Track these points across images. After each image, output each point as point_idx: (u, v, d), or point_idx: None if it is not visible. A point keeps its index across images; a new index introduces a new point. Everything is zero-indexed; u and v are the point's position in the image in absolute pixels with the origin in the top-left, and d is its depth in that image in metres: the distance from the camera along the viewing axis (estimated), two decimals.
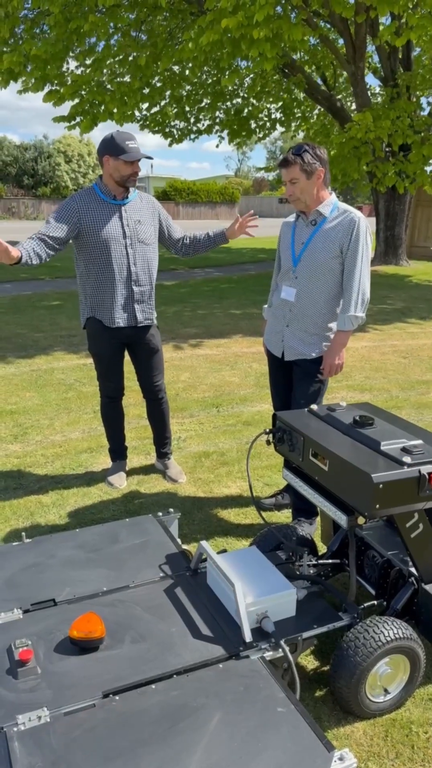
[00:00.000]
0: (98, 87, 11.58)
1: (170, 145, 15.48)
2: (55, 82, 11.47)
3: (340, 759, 1.53)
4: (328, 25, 12.46)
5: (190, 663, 1.81)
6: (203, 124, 15.28)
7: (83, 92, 11.48)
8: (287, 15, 9.63)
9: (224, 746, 1.54)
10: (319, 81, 14.69)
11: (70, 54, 11.20)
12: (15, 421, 4.55)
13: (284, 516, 3.27)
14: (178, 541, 2.49)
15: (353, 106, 14.16)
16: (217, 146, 16.57)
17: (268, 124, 15.57)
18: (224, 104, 14.92)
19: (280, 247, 3.03)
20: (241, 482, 3.66)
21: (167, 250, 3.48)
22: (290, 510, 3.24)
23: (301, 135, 16.31)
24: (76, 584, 2.18)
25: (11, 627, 1.95)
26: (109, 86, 11.86)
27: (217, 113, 15.02)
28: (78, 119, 11.90)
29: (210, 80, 14.07)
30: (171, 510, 2.71)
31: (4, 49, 11.05)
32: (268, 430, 2.41)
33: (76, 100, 11.56)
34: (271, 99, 14.97)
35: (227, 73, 11.46)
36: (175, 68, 12.64)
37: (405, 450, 1.99)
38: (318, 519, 3.10)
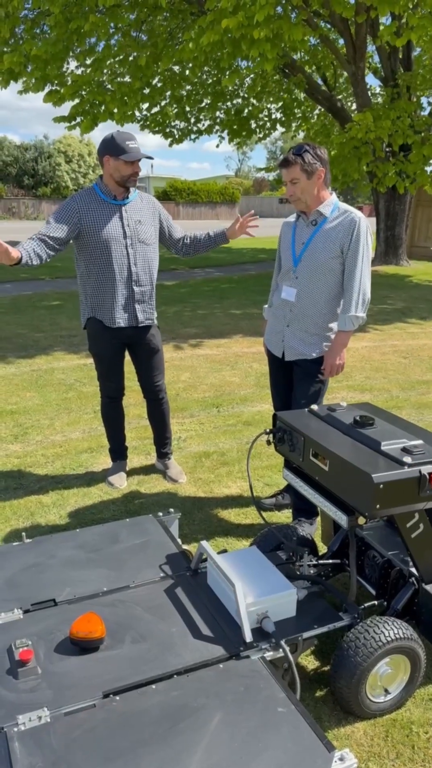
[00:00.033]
0: (98, 87, 11.59)
1: (170, 145, 15.49)
2: (56, 82, 11.48)
3: (341, 759, 1.52)
4: (329, 26, 12.46)
5: (190, 663, 1.81)
6: (203, 124, 15.29)
7: (83, 92, 11.48)
8: (287, 15, 9.63)
9: (225, 746, 1.54)
10: (320, 81, 14.69)
11: (71, 54, 11.20)
12: (15, 421, 4.55)
13: (284, 516, 3.27)
14: (179, 541, 2.49)
15: (354, 107, 14.16)
16: (218, 146, 16.59)
17: (268, 124, 15.58)
18: (224, 104, 14.92)
19: (280, 247, 3.03)
20: (242, 482, 3.66)
21: (168, 250, 3.48)
22: (290, 510, 3.24)
23: (301, 135, 16.32)
24: (76, 584, 2.18)
25: (11, 627, 1.95)
26: (109, 86, 11.87)
27: (218, 113, 15.02)
28: (78, 119, 11.90)
29: (210, 80, 14.07)
30: (171, 510, 2.70)
31: (5, 49, 11.05)
32: (268, 430, 2.41)
33: (77, 101, 11.56)
34: (271, 99, 14.97)
35: (227, 73, 11.45)
36: (176, 68, 12.64)
37: (405, 450, 1.99)
38: (318, 519, 3.10)
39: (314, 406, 2.39)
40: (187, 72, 12.39)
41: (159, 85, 12.96)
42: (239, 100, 15.18)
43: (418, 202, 16.37)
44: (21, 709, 1.64)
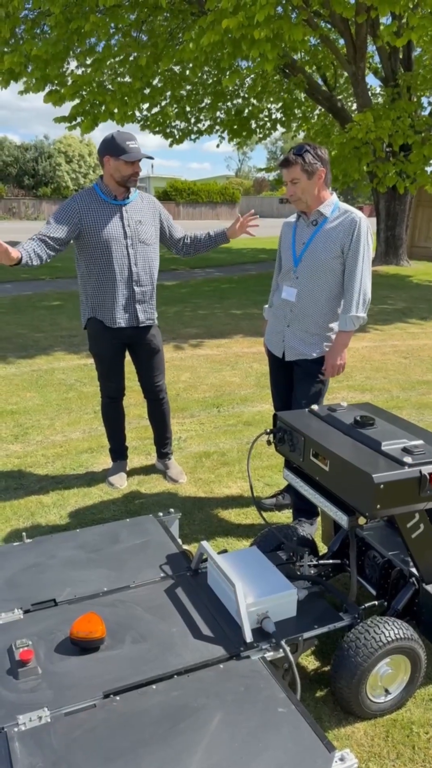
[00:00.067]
0: (99, 87, 11.59)
1: (171, 145, 15.49)
2: (56, 82, 11.48)
3: (341, 759, 1.52)
4: (329, 26, 12.46)
5: (190, 663, 1.81)
6: (204, 125, 15.29)
7: (84, 92, 11.48)
8: (288, 15, 9.63)
9: (225, 746, 1.54)
10: (320, 81, 14.69)
11: (71, 54, 11.20)
12: (16, 421, 4.55)
13: (285, 516, 3.27)
14: (179, 541, 2.49)
15: (354, 107, 14.15)
16: (218, 146, 16.58)
17: (268, 124, 15.58)
18: (225, 104, 14.92)
19: (280, 248, 3.03)
20: (242, 482, 3.66)
21: (168, 250, 3.48)
22: (291, 510, 3.24)
23: (301, 135, 16.31)
24: (76, 584, 2.18)
25: (12, 627, 1.95)
26: (109, 86, 11.87)
27: (218, 113, 15.02)
28: (79, 119, 11.90)
29: (210, 80, 14.07)
30: (172, 510, 2.70)
31: (5, 49, 11.06)
32: (268, 430, 2.41)
33: (77, 101, 11.57)
34: (271, 99, 14.97)
35: (228, 73, 11.45)
36: (176, 68, 12.64)
37: (406, 450, 1.98)
38: (319, 519, 3.10)
39: (314, 406, 2.39)
40: (188, 72, 12.40)
41: (159, 85, 12.97)
42: (239, 100, 15.18)
43: (419, 202, 16.37)
44: (21, 709, 1.64)
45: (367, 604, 2.26)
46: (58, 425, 4.49)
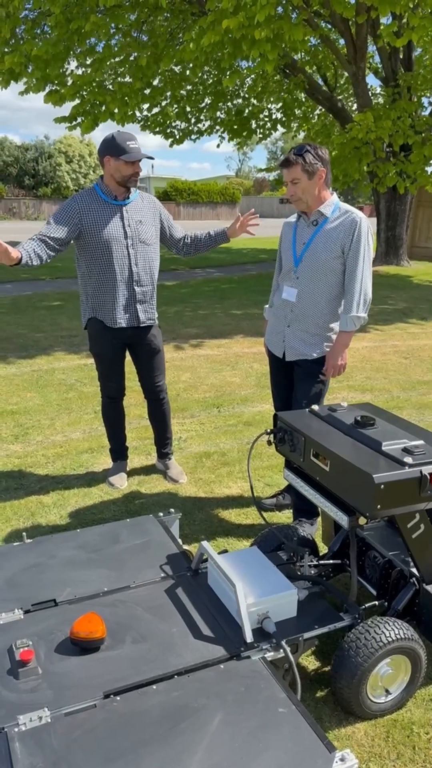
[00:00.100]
0: (99, 87, 11.59)
1: (171, 145, 15.49)
2: (56, 82, 11.48)
3: (342, 760, 1.52)
4: (329, 26, 12.46)
5: (191, 663, 1.81)
6: (204, 125, 15.29)
7: (84, 93, 11.48)
8: (288, 15, 9.63)
9: (225, 747, 1.54)
10: (320, 81, 14.69)
11: (71, 54, 11.20)
12: (16, 421, 4.55)
13: (285, 516, 3.27)
14: (179, 541, 2.49)
15: (354, 107, 14.15)
16: (218, 146, 16.57)
17: (268, 124, 15.57)
18: (225, 104, 14.92)
19: (281, 248, 3.03)
20: (242, 482, 3.66)
21: (168, 250, 3.48)
22: (291, 510, 3.24)
23: (301, 135, 16.31)
24: (76, 584, 2.18)
25: (12, 627, 1.95)
26: (110, 86, 11.87)
27: (218, 113, 15.02)
28: (79, 120, 11.90)
29: (211, 80, 14.07)
30: (172, 510, 2.70)
31: (5, 49, 11.06)
32: (269, 430, 2.41)
33: (77, 101, 11.57)
34: (272, 99, 14.97)
35: (228, 73, 11.46)
36: (176, 69, 12.64)
37: (406, 450, 1.98)
38: (319, 519, 3.10)
39: (315, 407, 2.39)
40: (188, 72, 12.40)
41: (159, 85, 12.97)
42: (240, 101, 15.18)
43: (419, 202, 16.36)
44: (21, 709, 1.64)
45: (367, 605, 2.26)
46: (58, 425, 4.49)
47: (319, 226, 2.79)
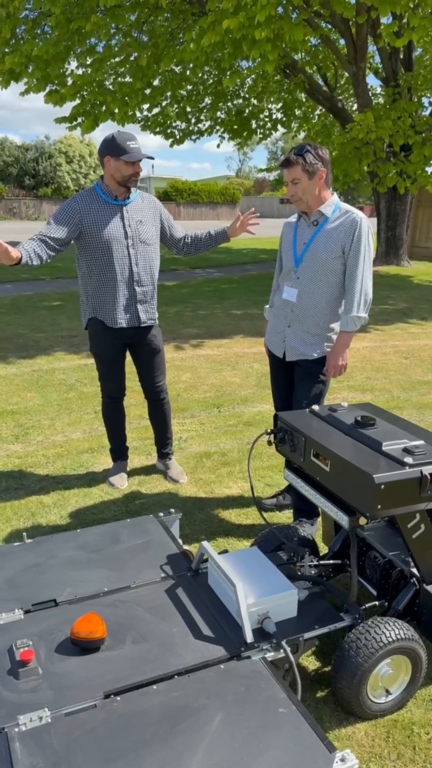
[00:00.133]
0: (99, 87, 11.59)
1: (171, 145, 15.49)
2: (56, 82, 11.48)
3: (342, 760, 1.52)
4: (329, 26, 12.46)
5: (191, 663, 1.81)
6: (204, 125, 15.29)
7: (85, 93, 11.49)
8: (288, 15, 9.63)
9: (226, 747, 1.54)
10: (321, 81, 14.69)
11: (72, 54, 11.21)
12: (16, 421, 4.55)
13: (285, 516, 3.27)
14: (179, 541, 2.49)
15: (354, 107, 14.15)
16: (218, 146, 16.56)
17: (269, 124, 15.57)
18: (225, 104, 14.92)
19: (281, 248, 3.03)
20: (243, 483, 3.65)
21: (169, 250, 3.47)
22: (291, 510, 3.24)
23: (302, 135, 16.31)
24: (77, 584, 2.18)
25: (12, 627, 1.95)
26: (110, 87, 11.87)
27: (218, 113, 15.02)
28: (79, 120, 11.91)
29: (211, 80, 14.08)
30: (172, 510, 2.70)
31: (6, 49, 11.06)
32: (269, 430, 2.41)
33: (78, 101, 11.57)
34: (272, 99, 14.97)
35: (228, 73, 11.46)
36: (176, 69, 12.64)
37: (406, 450, 1.98)
38: (319, 519, 3.10)
39: (315, 407, 2.39)
40: (188, 72, 12.40)
41: (160, 85, 12.97)
42: (240, 101, 15.18)
43: (419, 202, 16.36)
44: (22, 709, 1.64)
45: (367, 605, 2.26)
46: (58, 425, 4.49)
47: (319, 226, 2.79)
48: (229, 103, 15.05)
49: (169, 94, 13.52)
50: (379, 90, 14.64)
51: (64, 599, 2.10)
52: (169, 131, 15.01)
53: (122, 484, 3.58)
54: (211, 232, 3.38)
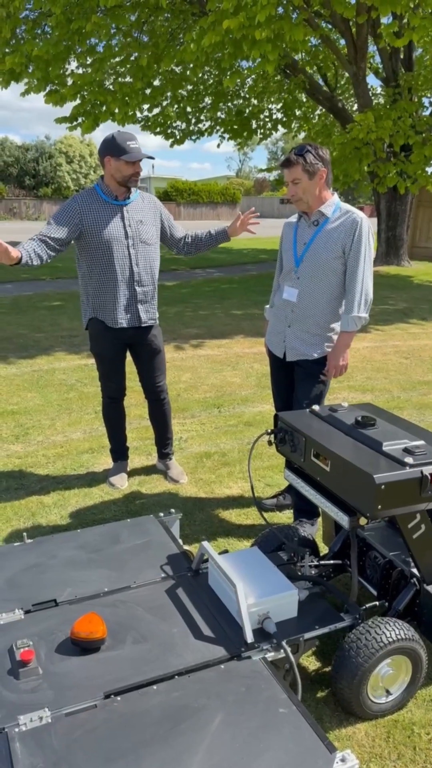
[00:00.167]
0: (100, 87, 11.59)
1: (171, 145, 15.48)
2: (56, 82, 11.48)
3: (342, 760, 1.52)
4: (330, 26, 12.46)
5: (191, 664, 1.81)
6: (204, 125, 15.29)
7: (85, 93, 11.49)
8: (288, 15, 9.63)
9: (226, 747, 1.54)
10: (321, 82, 14.69)
11: (72, 54, 11.21)
12: (16, 421, 4.55)
13: (286, 517, 3.27)
14: (180, 541, 2.49)
15: (355, 107, 14.15)
16: (218, 146, 16.56)
17: (269, 124, 15.58)
18: (225, 104, 14.92)
19: (281, 248, 3.03)
20: (243, 483, 3.65)
21: (169, 250, 3.47)
22: (292, 511, 3.24)
23: (302, 135, 16.31)
24: (77, 585, 2.17)
25: (12, 627, 1.95)
26: (110, 87, 11.87)
27: (219, 113, 15.02)
28: (80, 120, 11.91)
29: (211, 80, 14.08)
30: (172, 510, 2.70)
31: (6, 50, 11.06)
32: (269, 430, 2.41)
33: (78, 101, 11.57)
34: (272, 99, 14.97)
35: (228, 74, 11.46)
36: (177, 69, 12.64)
37: (407, 451, 1.98)
38: (319, 520, 3.10)
39: (316, 407, 2.39)
40: (188, 72, 12.41)
41: (160, 85, 12.97)
42: (240, 101, 15.18)
43: (420, 202, 16.36)
44: (22, 709, 1.64)
45: (368, 605, 2.26)
46: (58, 425, 4.49)
47: (319, 227, 2.79)
48: (230, 103, 15.05)
49: (169, 94, 13.52)
50: (379, 90, 14.65)
51: (65, 599, 2.10)
52: (169, 131, 15.01)
53: (122, 484, 3.58)
54: (211, 231, 3.38)
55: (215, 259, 16.18)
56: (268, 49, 8.74)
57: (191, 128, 15.21)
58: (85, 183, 35.87)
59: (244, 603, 1.92)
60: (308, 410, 2.41)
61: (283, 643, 1.90)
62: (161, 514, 2.66)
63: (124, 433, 3.67)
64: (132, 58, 11.49)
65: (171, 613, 2.03)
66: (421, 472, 1.89)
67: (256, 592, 2.02)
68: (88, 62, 11.48)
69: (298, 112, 15.35)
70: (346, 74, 13.38)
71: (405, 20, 10.27)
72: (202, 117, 15.06)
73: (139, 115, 13.12)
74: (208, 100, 14.58)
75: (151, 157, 3.24)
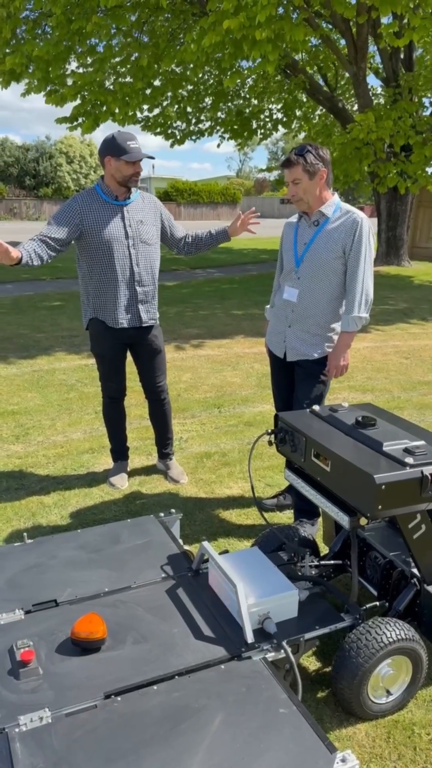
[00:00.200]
0: (100, 88, 11.60)
1: (172, 146, 15.48)
2: (56, 82, 11.49)
3: (342, 761, 1.52)
4: (330, 26, 12.46)
5: (191, 664, 1.81)
6: (204, 125, 15.29)
7: (85, 93, 11.50)
8: (288, 16, 9.63)
9: (226, 747, 1.54)
10: (321, 82, 14.69)
11: (72, 55, 11.22)
12: (17, 421, 4.55)
13: (286, 517, 3.27)
14: (180, 541, 2.49)
15: (355, 107, 14.15)
16: (219, 146, 16.56)
17: (269, 124, 15.58)
18: (226, 104, 14.92)
19: (282, 248, 3.03)
20: (243, 483, 3.65)
21: (169, 250, 3.47)
22: (292, 511, 3.24)
23: (302, 136, 16.31)
24: (77, 585, 2.17)
25: (13, 628, 1.95)
26: (111, 87, 11.87)
27: (219, 114, 15.02)
28: (80, 120, 11.91)
29: (211, 80, 14.08)
30: (173, 510, 2.70)
31: (6, 50, 11.07)
32: (270, 430, 2.41)
33: (78, 101, 11.57)
34: (272, 99, 14.97)
35: (229, 74, 11.46)
36: (177, 69, 12.65)
37: (407, 451, 1.98)
38: (320, 520, 3.10)
39: (316, 407, 2.39)
40: (189, 72, 12.41)
41: (160, 85, 12.98)
42: (240, 101, 15.18)
43: (420, 202, 16.35)
44: (22, 709, 1.64)
45: (368, 605, 2.26)
46: (59, 425, 4.49)
47: (320, 227, 2.79)
48: (230, 104, 15.06)
49: (169, 94, 13.52)
50: (379, 90, 14.65)
51: (65, 599, 2.10)
52: (169, 131, 15.01)
53: (123, 484, 3.58)
54: (211, 231, 3.38)
55: (216, 259, 16.18)
56: (268, 49, 8.74)
57: (191, 128, 15.22)
58: (85, 183, 35.87)
59: (244, 603, 1.92)
60: (308, 410, 2.41)
61: (284, 643, 1.90)
62: (161, 514, 2.66)
63: (124, 433, 3.67)
64: (132, 58, 11.50)
65: (171, 614, 2.03)
66: (422, 473, 1.89)
67: (257, 592, 2.02)
68: (88, 62, 11.48)
69: (298, 112, 15.35)
70: (347, 74, 13.39)
71: (405, 20, 10.26)
72: (202, 117, 15.07)
73: (139, 115, 13.12)
74: (208, 100, 14.59)
75: (152, 157, 3.24)
